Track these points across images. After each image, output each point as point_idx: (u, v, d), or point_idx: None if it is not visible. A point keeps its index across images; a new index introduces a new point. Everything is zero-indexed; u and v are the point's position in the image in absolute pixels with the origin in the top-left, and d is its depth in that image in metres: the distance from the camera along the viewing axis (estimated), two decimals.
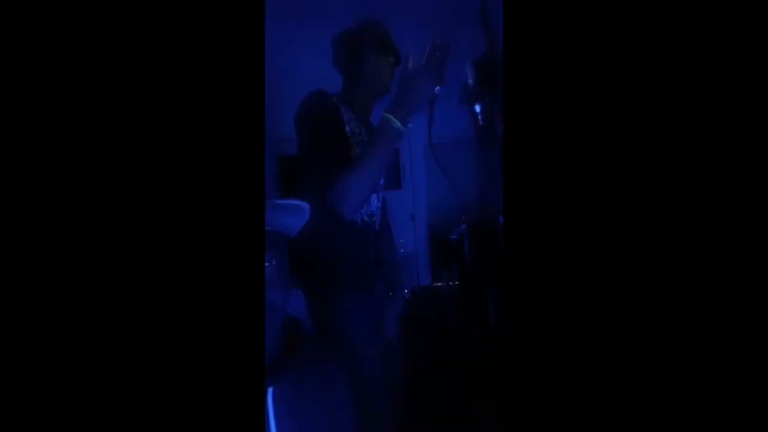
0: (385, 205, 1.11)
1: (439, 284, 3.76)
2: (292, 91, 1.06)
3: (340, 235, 0.95)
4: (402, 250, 3.84)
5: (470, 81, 2.34)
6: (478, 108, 2.55)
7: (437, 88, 0.79)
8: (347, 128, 0.94)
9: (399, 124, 0.77)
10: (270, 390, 1.10)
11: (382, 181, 1.04)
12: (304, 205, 0.93)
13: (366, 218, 1.00)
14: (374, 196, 1.03)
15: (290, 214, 0.94)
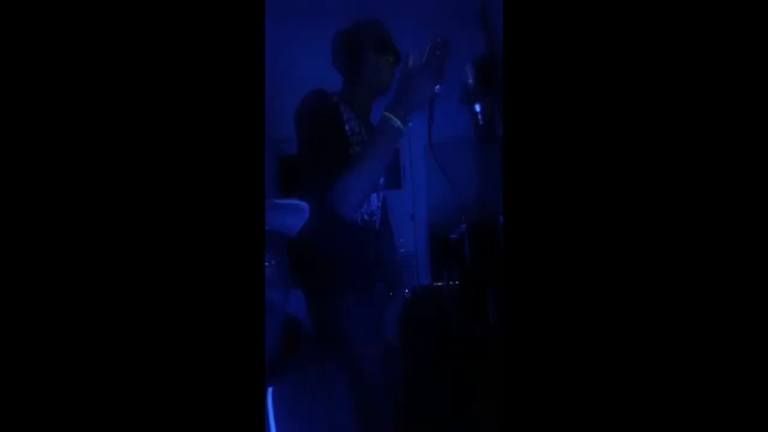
0: (386, 204, 1.10)
1: (439, 284, 3.76)
2: (292, 91, 1.05)
3: (340, 234, 0.95)
4: (402, 250, 3.83)
5: (470, 81, 2.34)
6: (478, 108, 2.55)
7: (437, 86, 0.78)
8: (347, 127, 0.93)
9: (399, 123, 0.76)
10: (270, 390, 1.10)
11: (382, 181, 1.04)
12: (304, 204, 0.93)
13: (366, 218, 1.00)
14: (374, 195, 1.03)
15: (290, 214, 0.94)
